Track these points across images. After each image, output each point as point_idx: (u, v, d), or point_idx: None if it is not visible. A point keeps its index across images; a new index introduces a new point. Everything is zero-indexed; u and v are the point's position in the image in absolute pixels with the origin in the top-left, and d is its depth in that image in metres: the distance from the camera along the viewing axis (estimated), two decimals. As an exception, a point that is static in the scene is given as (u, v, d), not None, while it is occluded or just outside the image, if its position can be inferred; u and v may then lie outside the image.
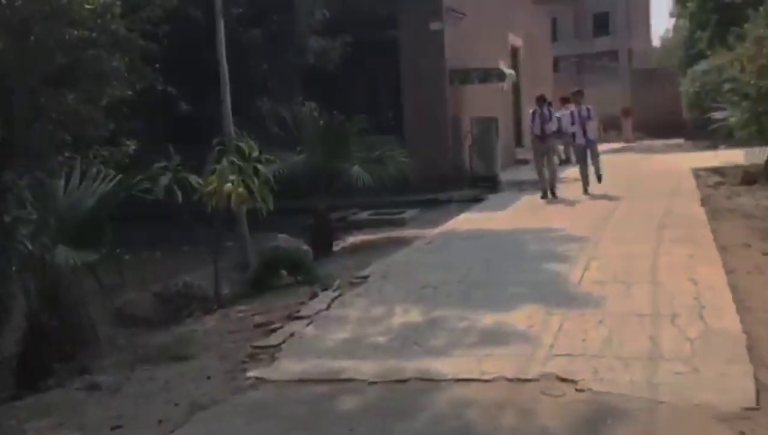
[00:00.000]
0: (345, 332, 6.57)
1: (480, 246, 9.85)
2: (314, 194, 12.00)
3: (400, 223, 13.88)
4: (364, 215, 14.90)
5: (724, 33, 14.07)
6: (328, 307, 7.47)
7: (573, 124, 14.53)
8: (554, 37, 35.22)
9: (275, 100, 13.54)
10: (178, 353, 6.46)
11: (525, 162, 21.37)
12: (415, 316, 6.85)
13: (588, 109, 14.59)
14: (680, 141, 27.52)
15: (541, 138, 14.46)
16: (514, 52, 23.05)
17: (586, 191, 14.36)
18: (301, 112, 12.56)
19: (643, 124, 30.68)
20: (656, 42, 56.04)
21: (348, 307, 7.42)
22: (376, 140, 12.77)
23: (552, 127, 14.44)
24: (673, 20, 37.49)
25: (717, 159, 18.31)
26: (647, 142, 27.46)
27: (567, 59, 43.36)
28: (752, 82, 9.32)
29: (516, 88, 22.73)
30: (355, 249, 12.02)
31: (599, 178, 14.52)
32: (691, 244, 8.79)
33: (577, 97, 14.92)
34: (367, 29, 16.03)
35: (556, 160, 14.89)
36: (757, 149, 11.13)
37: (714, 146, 25.28)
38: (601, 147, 15.75)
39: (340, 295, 7.87)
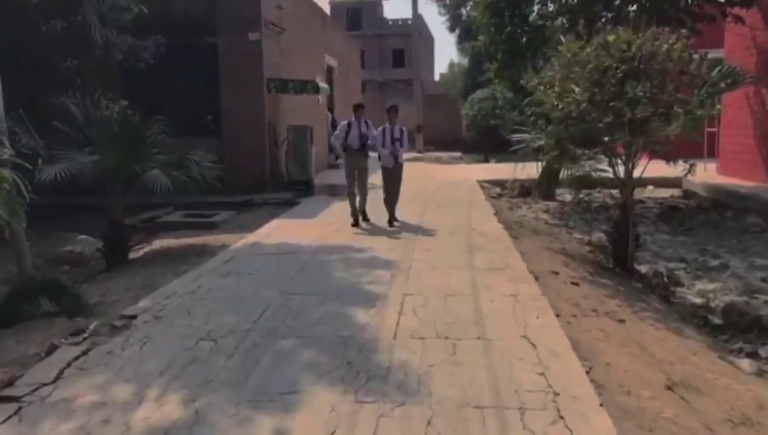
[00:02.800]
0: (51, 444, 3.21)
1: (282, 269, 6.65)
2: (112, 195, 8.31)
3: (212, 227, 10.54)
4: (177, 216, 11.38)
5: (510, 62, 11.84)
6: (58, 377, 4.04)
7: (384, 145, 9.23)
8: (363, 65, 32.70)
9: (75, 97, 9.43)
10: None
11: (336, 166, 18.60)
12: (171, 407, 3.59)
13: (402, 131, 9.31)
14: (459, 154, 26.35)
15: (361, 153, 9.39)
16: (330, 70, 20.12)
17: (391, 223, 9.30)
18: (96, 110, 8.65)
19: (431, 139, 29.34)
20: (437, 76, 55.49)
21: (85, 377, 4.02)
22: (192, 142, 9.88)
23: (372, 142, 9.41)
24: (449, 59, 36.62)
25: (490, 171, 16.69)
26: (435, 154, 25.87)
27: (372, 83, 41.57)
28: (559, 106, 6.82)
29: (331, 102, 19.88)
30: (153, 257, 8.48)
31: (392, 215, 9.36)
32: (506, 273, 6.22)
33: (392, 113, 9.31)
34: (187, 33, 12.60)
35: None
36: (527, 165, 8.91)
37: (486, 159, 24.09)
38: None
39: (86, 352, 4.44)
